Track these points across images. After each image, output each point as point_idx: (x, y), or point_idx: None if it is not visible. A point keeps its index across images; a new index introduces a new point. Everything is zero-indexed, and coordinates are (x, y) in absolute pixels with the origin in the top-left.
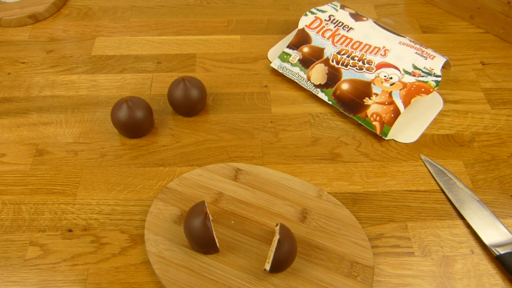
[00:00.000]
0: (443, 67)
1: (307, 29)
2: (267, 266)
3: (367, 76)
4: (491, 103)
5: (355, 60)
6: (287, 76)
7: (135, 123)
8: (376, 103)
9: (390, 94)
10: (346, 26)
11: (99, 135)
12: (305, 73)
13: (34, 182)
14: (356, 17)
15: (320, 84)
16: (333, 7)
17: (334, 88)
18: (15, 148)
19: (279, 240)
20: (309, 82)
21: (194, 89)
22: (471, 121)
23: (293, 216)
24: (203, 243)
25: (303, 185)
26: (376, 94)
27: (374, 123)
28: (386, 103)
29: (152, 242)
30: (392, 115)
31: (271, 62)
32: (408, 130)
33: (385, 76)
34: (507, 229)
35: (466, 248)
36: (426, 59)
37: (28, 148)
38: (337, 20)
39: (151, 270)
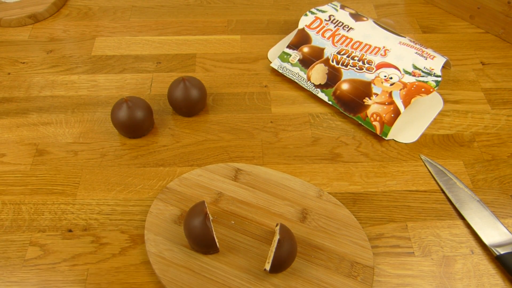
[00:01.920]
0: (443, 67)
1: (307, 29)
2: (267, 266)
3: (367, 76)
4: (491, 103)
5: (355, 60)
6: (287, 76)
7: (134, 123)
8: (376, 103)
9: (390, 94)
10: (346, 26)
11: (99, 135)
12: (305, 73)
13: (34, 182)
14: (356, 17)
15: (320, 84)
16: (333, 7)
17: (334, 88)
18: (15, 148)
19: (279, 240)
20: (309, 82)
21: (194, 89)
22: (471, 121)
23: (293, 216)
24: (203, 243)
25: (303, 185)
26: (376, 94)
27: (374, 123)
28: (386, 103)
29: (152, 242)
30: (392, 115)
31: (271, 62)
32: (408, 130)
33: (385, 76)
34: (507, 229)
35: (466, 248)
36: (426, 59)
37: (28, 148)
38: (337, 20)
39: (151, 270)
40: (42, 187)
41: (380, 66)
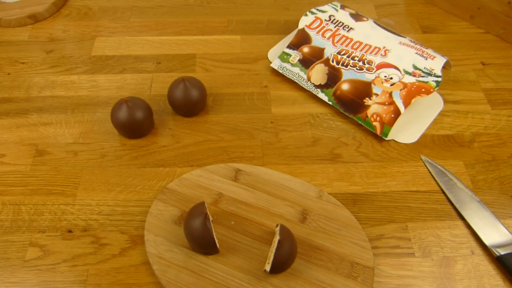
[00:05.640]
0: (443, 67)
1: (307, 29)
2: (267, 267)
3: (367, 76)
4: (491, 104)
5: (355, 60)
6: (287, 76)
7: (134, 124)
8: (377, 103)
9: (390, 94)
10: (346, 26)
11: (99, 136)
12: (305, 73)
13: (34, 183)
14: (356, 17)
15: (320, 84)
16: (333, 7)
17: (334, 88)
18: (15, 148)
19: (279, 241)
20: (309, 82)
21: (194, 89)
22: (472, 122)
23: (293, 217)
24: (203, 243)
25: (303, 186)
26: (377, 95)
27: (374, 123)
28: (387, 103)
29: (152, 243)
30: (393, 116)
31: (271, 62)
32: (408, 130)
33: (385, 76)
34: (508, 230)
35: (467, 249)
36: (426, 59)
37: (28, 148)
38: (337, 20)
39: (151, 271)
40: (42, 187)
41: (380, 66)
